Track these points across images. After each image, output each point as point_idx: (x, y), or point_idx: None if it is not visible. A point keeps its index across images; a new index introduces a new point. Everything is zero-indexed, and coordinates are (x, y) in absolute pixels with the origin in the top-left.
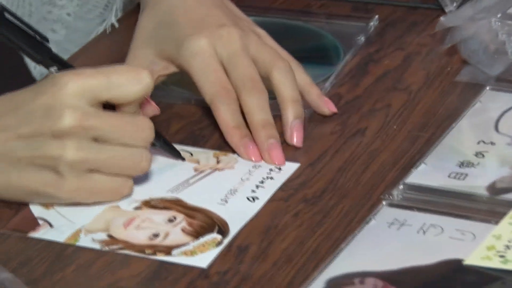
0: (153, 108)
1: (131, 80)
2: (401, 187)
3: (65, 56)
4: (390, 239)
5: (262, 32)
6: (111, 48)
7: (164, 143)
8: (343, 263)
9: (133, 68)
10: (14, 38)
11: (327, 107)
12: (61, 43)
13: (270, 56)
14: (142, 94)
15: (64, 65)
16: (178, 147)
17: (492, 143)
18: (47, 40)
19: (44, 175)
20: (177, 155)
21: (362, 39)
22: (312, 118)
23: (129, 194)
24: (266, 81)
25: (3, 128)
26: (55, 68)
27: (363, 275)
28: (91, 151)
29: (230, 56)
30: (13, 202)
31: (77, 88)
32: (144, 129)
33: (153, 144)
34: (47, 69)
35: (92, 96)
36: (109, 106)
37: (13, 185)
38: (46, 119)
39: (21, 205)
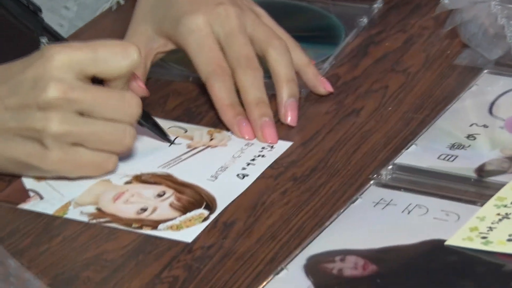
0: (142, 90)
1: (117, 55)
2: (390, 167)
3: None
4: (374, 218)
5: (260, 11)
6: (115, 25)
7: (153, 124)
8: (326, 240)
9: (121, 43)
10: (7, 6)
11: (323, 86)
12: (72, 20)
13: (267, 35)
14: (128, 69)
15: (55, 36)
16: (173, 123)
17: (485, 126)
18: (40, 11)
19: (29, 146)
20: (165, 137)
21: (365, 20)
22: (308, 98)
23: (112, 170)
24: (263, 60)
25: None
26: (46, 39)
27: (344, 253)
28: (75, 124)
29: (226, 34)
30: (1, 173)
31: (64, 60)
32: (130, 105)
33: (141, 124)
34: (38, 40)
35: (79, 70)
36: (98, 82)
37: (1, 155)
38: (32, 90)
39: (13, 177)
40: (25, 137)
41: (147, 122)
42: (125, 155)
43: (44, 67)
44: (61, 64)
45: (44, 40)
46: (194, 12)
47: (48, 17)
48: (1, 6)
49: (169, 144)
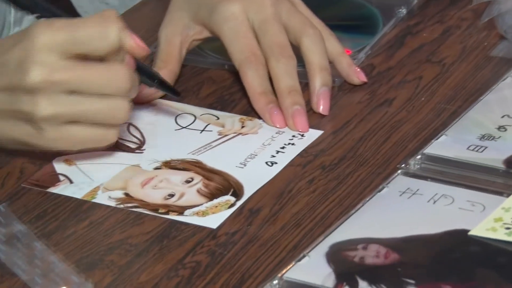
0: (140, 49)
1: (98, 34)
2: (418, 156)
3: None
4: (400, 207)
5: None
6: (154, 12)
7: (159, 83)
8: (349, 229)
9: (101, 22)
10: None
11: (357, 76)
12: (117, 7)
13: (301, 23)
14: (111, 47)
15: (47, 11)
16: (205, 110)
17: None
18: None
19: (24, 127)
20: (174, 92)
21: (403, 11)
22: (342, 87)
23: (113, 142)
24: (297, 48)
25: None
26: (36, 15)
27: (367, 241)
28: (64, 104)
29: (261, 22)
30: (3, 150)
31: (46, 42)
32: (119, 78)
33: (148, 84)
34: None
35: (62, 50)
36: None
37: (1, 134)
38: (16, 73)
39: (44, 161)
40: (18, 119)
41: (153, 81)
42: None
43: (26, 50)
44: (42, 45)
45: (32, 16)
46: (229, 0)
47: (95, 5)
48: None
49: (178, 96)
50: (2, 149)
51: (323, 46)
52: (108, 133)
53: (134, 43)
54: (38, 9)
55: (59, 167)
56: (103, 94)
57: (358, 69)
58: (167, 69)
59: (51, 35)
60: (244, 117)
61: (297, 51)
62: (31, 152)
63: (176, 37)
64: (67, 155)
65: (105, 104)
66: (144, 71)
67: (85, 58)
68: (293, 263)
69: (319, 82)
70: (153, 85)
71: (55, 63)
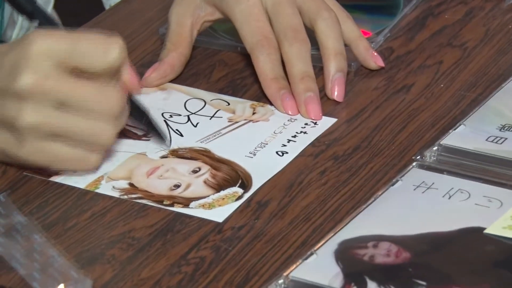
0: (134, 85)
1: (98, 51)
2: (435, 148)
3: None
4: (413, 202)
5: None
6: None
7: (147, 123)
8: (360, 225)
9: (106, 39)
10: None
11: (374, 60)
12: None
13: (316, 5)
14: (109, 66)
15: (47, 20)
16: (216, 96)
17: None
18: None
19: (6, 134)
20: (161, 138)
21: None
22: (358, 72)
23: (95, 168)
24: (311, 32)
25: None
26: (36, 23)
27: (378, 239)
28: (49, 116)
29: (274, 4)
30: None
31: (43, 49)
32: (110, 101)
33: (136, 120)
34: (30, 22)
35: (58, 61)
36: None
37: None
38: (8, 76)
39: None
40: (1, 125)
41: (141, 119)
42: (107, 155)
43: (22, 54)
44: (39, 52)
45: (30, 24)
46: None
47: None
48: None
49: (166, 146)
50: None
51: (339, 30)
52: (91, 157)
53: (130, 77)
54: (39, 16)
55: None
56: (91, 114)
57: (376, 54)
58: (177, 52)
59: (50, 43)
60: (256, 103)
61: (311, 34)
62: None
63: (187, 18)
64: None
65: (91, 125)
66: (135, 106)
67: (79, 74)
68: (300, 261)
69: (334, 67)
70: (140, 123)
71: (49, 71)
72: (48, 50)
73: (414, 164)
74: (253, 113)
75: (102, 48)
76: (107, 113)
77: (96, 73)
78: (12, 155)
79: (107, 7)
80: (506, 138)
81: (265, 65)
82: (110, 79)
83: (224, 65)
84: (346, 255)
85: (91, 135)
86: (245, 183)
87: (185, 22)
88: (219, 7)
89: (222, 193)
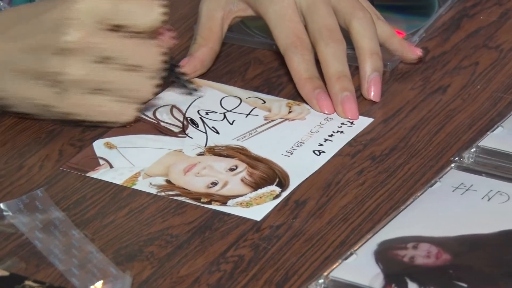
0: (168, 38)
1: (141, 10)
2: (473, 150)
3: None
4: (452, 204)
5: None
6: None
7: (179, 76)
8: (399, 225)
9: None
10: None
11: (412, 51)
12: None
13: (351, 6)
14: (150, 25)
15: None
16: (251, 93)
17: None
18: None
19: (46, 88)
20: (190, 92)
21: None
22: (393, 72)
23: (132, 119)
24: (346, 31)
25: (11, 39)
26: None
27: (418, 240)
28: (93, 70)
29: (309, 5)
30: (20, 114)
31: (88, 7)
32: (152, 54)
33: (167, 75)
34: None
35: (101, 18)
36: None
37: (20, 95)
38: (52, 33)
39: (84, 143)
40: (42, 79)
41: (172, 73)
42: (147, 105)
43: (67, 11)
44: (84, 9)
45: None
46: None
47: None
48: None
49: (197, 95)
50: (15, 113)
51: (374, 30)
52: (129, 108)
53: (167, 34)
54: None
55: (100, 150)
56: (133, 67)
57: (412, 45)
58: (207, 47)
59: (93, 1)
60: (292, 101)
61: (346, 34)
62: (66, 133)
63: (218, 12)
64: (108, 137)
65: (132, 78)
66: (168, 62)
67: (121, 31)
68: (340, 261)
69: (370, 67)
70: (171, 77)
71: (93, 27)
72: (93, 8)
73: (452, 165)
74: (289, 112)
75: (144, 8)
76: (148, 67)
77: (138, 31)
78: (52, 108)
79: None
80: None
81: (299, 66)
82: (150, 35)
83: (259, 63)
84: (386, 255)
85: (131, 88)
86: (283, 182)
87: (215, 16)
88: (252, 5)
89: (260, 191)
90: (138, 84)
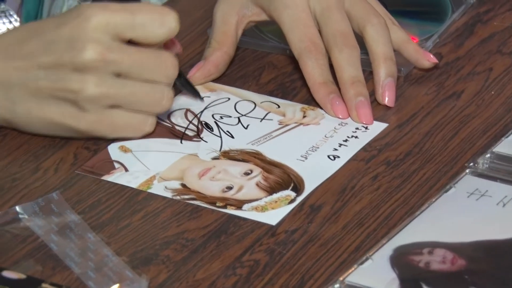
0: (176, 48)
1: (155, 22)
2: (488, 155)
3: None
4: (467, 209)
5: None
6: None
7: (185, 82)
8: (415, 231)
9: (160, 9)
10: None
11: (427, 58)
12: None
13: (365, 11)
14: (165, 37)
15: None
16: (266, 98)
17: None
18: None
19: (64, 107)
20: (196, 95)
21: None
22: (407, 78)
23: (149, 131)
24: (360, 37)
25: (24, 56)
26: None
27: (433, 245)
28: (112, 86)
29: (323, 10)
30: (35, 134)
31: (101, 22)
32: (167, 66)
33: (174, 83)
34: None
35: (115, 32)
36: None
37: (33, 115)
38: (68, 50)
39: (99, 147)
40: (59, 98)
41: (178, 80)
42: (162, 116)
43: (81, 28)
44: (98, 25)
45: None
46: None
47: None
48: None
49: (201, 101)
50: (34, 134)
51: (388, 35)
52: (147, 120)
53: (174, 42)
54: None
55: (114, 153)
56: (150, 80)
57: (427, 52)
58: (221, 51)
59: (108, 17)
60: (306, 106)
61: (359, 39)
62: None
63: (233, 16)
64: (122, 141)
65: (151, 89)
66: None
67: (135, 44)
68: (356, 266)
69: (384, 72)
70: (177, 83)
71: (109, 43)
72: (107, 23)
73: (467, 171)
74: (304, 117)
75: (158, 20)
76: (165, 77)
77: (152, 42)
78: (71, 128)
79: None
80: None
81: (314, 70)
82: (162, 45)
83: (273, 68)
84: (402, 261)
85: (149, 101)
86: (298, 187)
87: (230, 20)
88: (266, 9)
89: (275, 196)
90: (156, 97)
